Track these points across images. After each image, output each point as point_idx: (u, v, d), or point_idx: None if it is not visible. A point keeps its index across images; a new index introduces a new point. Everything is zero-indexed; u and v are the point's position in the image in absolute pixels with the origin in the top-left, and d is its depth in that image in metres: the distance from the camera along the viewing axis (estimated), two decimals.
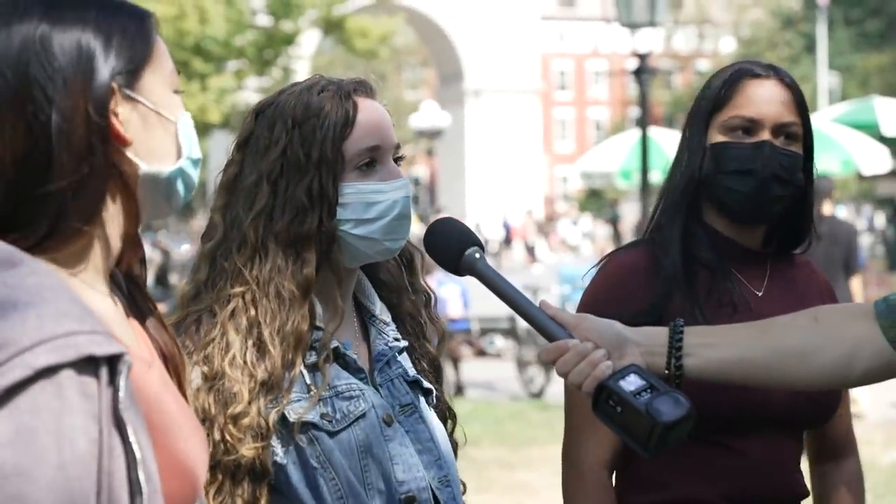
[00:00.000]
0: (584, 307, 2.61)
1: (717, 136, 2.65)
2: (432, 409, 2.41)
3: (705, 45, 71.05)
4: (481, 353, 15.49)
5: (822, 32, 44.56)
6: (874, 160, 18.66)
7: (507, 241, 44.59)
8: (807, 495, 2.72)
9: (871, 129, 19.78)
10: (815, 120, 21.46)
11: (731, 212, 2.65)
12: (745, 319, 2.48)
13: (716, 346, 2.18)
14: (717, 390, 2.40)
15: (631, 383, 2.01)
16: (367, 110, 2.31)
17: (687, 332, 2.17)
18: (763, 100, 2.63)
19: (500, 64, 60.53)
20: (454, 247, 2.26)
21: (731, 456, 2.59)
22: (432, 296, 2.52)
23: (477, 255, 2.24)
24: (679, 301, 2.59)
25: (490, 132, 60.81)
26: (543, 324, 2.14)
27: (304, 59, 34.94)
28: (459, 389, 14.33)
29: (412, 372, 2.40)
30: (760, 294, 2.67)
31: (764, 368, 2.18)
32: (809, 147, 2.69)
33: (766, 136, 2.62)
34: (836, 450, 2.86)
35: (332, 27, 30.22)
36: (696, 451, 2.56)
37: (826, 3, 48.68)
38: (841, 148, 18.25)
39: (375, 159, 2.31)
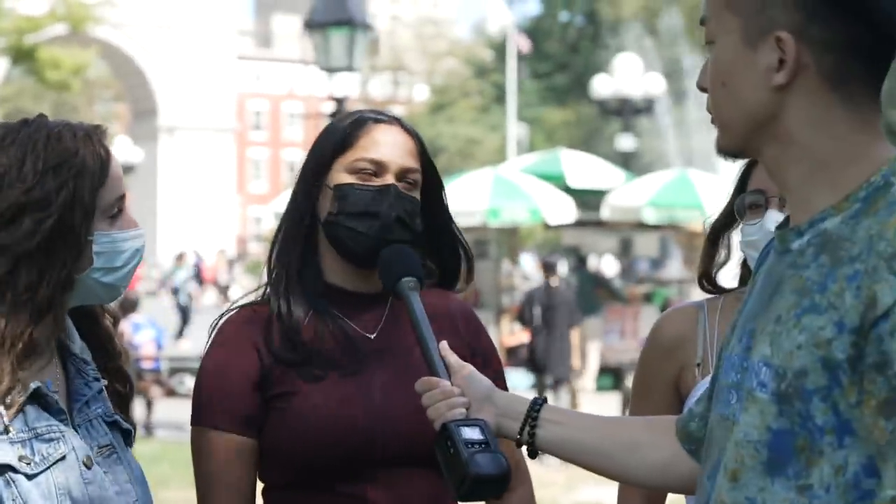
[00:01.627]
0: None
1: (341, 178, 2.63)
2: (129, 450, 2.37)
3: (400, 91, 72.09)
4: (171, 392, 15.27)
5: (512, 85, 45.84)
6: (560, 210, 19.30)
7: (199, 280, 43.92)
8: None
9: (558, 181, 20.52)
10: (505, 170, 22.17)
11: (351, 254, 2.63)
12: (352, 361, 2.59)
13: (565, 426, 2.25)
14: (316, 434, 2.51)
15: (471, 433, 2.21)
16: (114, 159, 2.30)
17: (545, 409, 2.26)
18: (389, 144, 2.64)
19: (196, 101, 59.94)
20: (397, 271, 2.48)
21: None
22: (118, 316, 2.50)
23: (411, 286, 2.45)
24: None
25: (184, 170, 60.08)
26: (433, 361, 2.34)
27: None
28: (149, 430, 14.08)
29: (111, 412, 2.35)
30: (373, 336, 2.66)
31: (602, 456, 2.24)
32: (437, 192, 2.73)
33: (390, 179, 2.62)
34: None
35: (23, 56, 29.32)
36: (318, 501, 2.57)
37: (525, 49, 50.11)
38: (528, 198, 18.82)
39: (120, 208, 2.29)
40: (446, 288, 2.79)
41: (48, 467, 2.18)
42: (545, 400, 2.30)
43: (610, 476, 2.30)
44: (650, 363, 2.91)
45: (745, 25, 1.82)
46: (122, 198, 2.30)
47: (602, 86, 26.19)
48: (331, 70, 15.73)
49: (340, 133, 2.66)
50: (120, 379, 2.43)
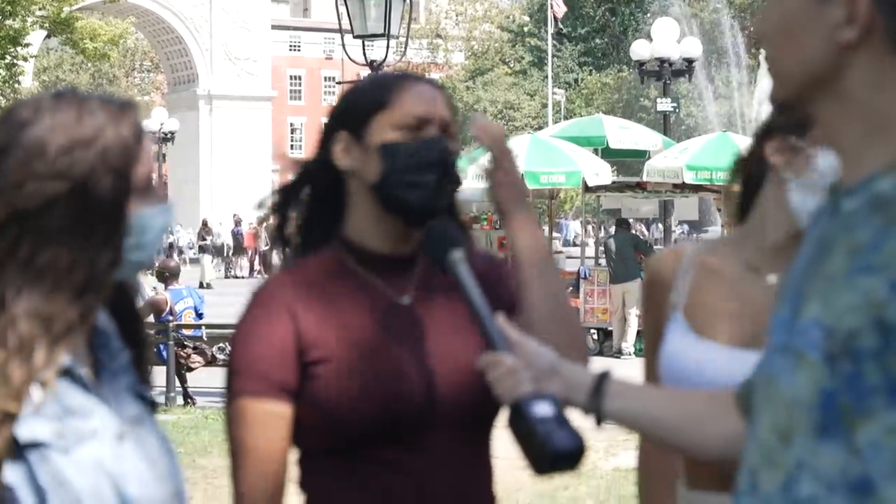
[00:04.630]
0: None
1: (384, 136, 2.56)
2: (156, 421, 2.36)
3: (437, 56, 71.99)
4: (211, 361, 15.32)
5: (550, 49, 45.69)
6: (598, 174, 19.25)
7: (238, 248, 44.11)
8: (478, 499, 2.66)
9: (600, 142, 20.47)
10: (543, 135, 22.07)
11: (408, 210, 2.56)
12: (392, 327, 2.56)
13: (632, 399, 2.26)
14: (349, 398, 2.50)
15: (542, 409, 2.19)
16: (145, 133, 2.26)
17: (611, 381, 2.26)
18: (427, 98, 2.58)
19: (234, 70, 60.07)
20: (445, 243, 2.44)
21: (384, 468, 2.54)
22: (137, 286, 2.46)
23: (460, 257, 2.41)
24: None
25: (222, 138, 60.24)
26: (492, 335, 2.30)
27: (30, 59, 33.91)
28: (189, 398, 14.13)
29: (136, 384, 2.33)
30: (409, 301, 2.61)
31: (670, 429, 2.25)
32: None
33: (434, 132, 2.56)
34: None
35: (60, 27, 29.42)
36: (348, 470, 2.55)
37: (560, 13, 49.90)
38: (567, 160, 18.76)
39: (149, 183, 2.25)
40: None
41: (81, 442, 2.16)
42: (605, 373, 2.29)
43: (678, 448, 2.32)
44: (644, 302, 2.99)
45: None
46: (150, 174, 2.26)
47: (641, 49, 26.00)
48: (367, 37, 15.69)
49: (375, 93, 2.60)
50: (141, 351, 2.41)
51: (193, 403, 13.96)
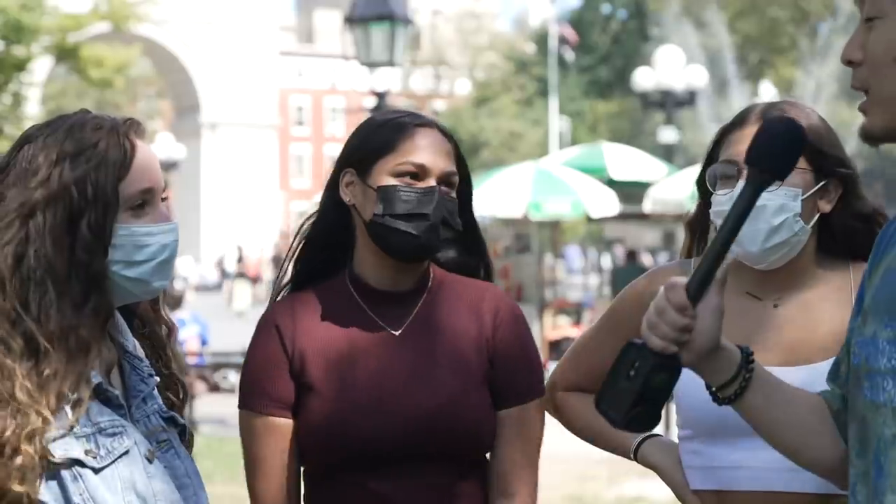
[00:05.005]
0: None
1: (384, 180, 2.71)
2: (184, 445, 2.40)
3: (442, 85, 72.14)
4: (215, 388, 15.34)
5: (553, 78, 45.79)
6: (602, 203, 19.23)
7: (242, 275, 44.11)
8: None
9: (600, 174, 20.46)
10: (546, 163, 22.10)
11: (399, 251, 2.71)
12: (381, 358, 2.68)
13: (770, 397, 2.08)
14: (327, 426, 2.63)
15: (659, 376, 1.98)
16: (142, 151, 2.29)
17: (756, 369, 2.08)
18: (430, 148, 2.72)
19: (238, 98, 60.21)
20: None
21: (366, 497, 2.65)
22: (175, 327, 2.53)
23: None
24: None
25: (227, 166, 60.33)
26: (705, 273, 1.99)
27: (36, 86, 34.00)
28: (192, 425, 14.14)
29: (166, 409, 2.39)
30: (398, 333, 2.73)
31: (794, 438, 2.12)
32: (468, 191, 2.82)
33: (433, 182, 2.71)
34: (502, 486, 2.76)
35: (66, 54, 29.50)
36: (327, 495, 2.69)
37: (573, 41, 49.98)
38: (571, 191, 18.77)
39: (147, 201, 2.28)
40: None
41: (113, 461, 2.21)
42: (752, 353, 2.10)
43: (789, 456, 2.17)
44: (626, 303, 2.89)
45: None
46: (148, 191, 2.28)
47: (644, 78, 26.08)
48: (372, 65, 15.77)
49: (382, 137, 2.75)
50: (172, 387, 2.47)
51: (196, 431, 13.96)
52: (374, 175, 2.72)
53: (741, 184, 2.55)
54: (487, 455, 2.77)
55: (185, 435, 2.42)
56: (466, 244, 2.87)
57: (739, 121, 2.79)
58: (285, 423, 2.71)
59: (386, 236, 2.70)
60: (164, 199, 2.34)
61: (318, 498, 2.73)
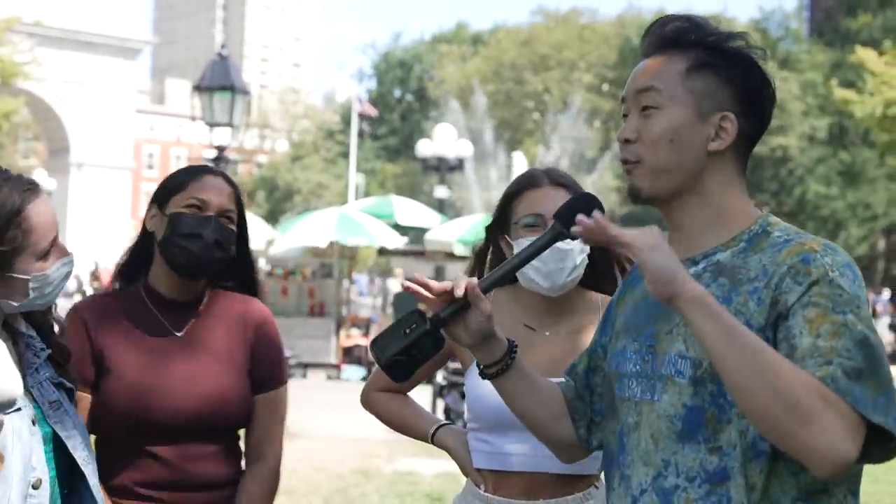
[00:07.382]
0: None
1: (175, 210, 2.74)
2: (73, 404, 2.44)
3: (266, 143, 71.40)
4: None
5: (353, 143, 45.79)
6: (391, 240, 19.35)
7: (97, 280, 42.77)
8: (218, 484, 2.74)
9: (389, 219, 20.54)
10: (347, 210, 21.96)
11: (179, 266, 2.73)
12: (164, 352, 2.72)
13: (522, 383, 2.10)
14: (126, 402, 2.65)
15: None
16: (38, 207, 2.34)
17: (518, 358, 2.10)
18: (213, 189, 2.76)
19: (101, 143, 58.42)
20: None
21: (151, 461, 2.69)
22: (59, 319, 2.56)
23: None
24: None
25: (89, 199, 58.44)
26: (501, 281, 2.02)
27: None
28: None
29: (56, 376, 2.41)
30: (180, 334, 2.77)
31: (537, 420, 2.14)
32: (244, 229, 2.83)
33: (212, 213, 2.74)
34: (255, 451, 2.82)
35: None
36: (124, 458, 2.69)
37: (374, 114, 50.07)
38: (366, 231, 18.83)
39: (53, 245, 2.35)
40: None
41: (8, 414, 2.24)
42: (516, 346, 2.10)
43: (533, 430, 2.18)
44: None
45: (699, 102, 1.91)
46: (53, 240, 2.32)
47: (425, 147, 26.30)
48: (214, 125, 15.52)
49: (178, 179, 2.80)
50: (58, 351, 2.47)
51: None
52: (169, 207, 2.76)
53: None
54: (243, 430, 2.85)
55: (73, 395, 2.44)
56: (244, 268, 2.88)
57: (534, 183, 2.79)
58: (85, 398, 2.69)
59: (171, 251, 2.72)
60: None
61: (110, 461, 2.69)
